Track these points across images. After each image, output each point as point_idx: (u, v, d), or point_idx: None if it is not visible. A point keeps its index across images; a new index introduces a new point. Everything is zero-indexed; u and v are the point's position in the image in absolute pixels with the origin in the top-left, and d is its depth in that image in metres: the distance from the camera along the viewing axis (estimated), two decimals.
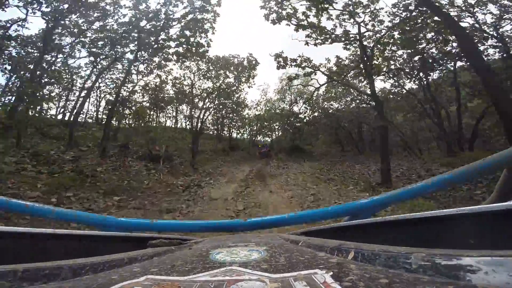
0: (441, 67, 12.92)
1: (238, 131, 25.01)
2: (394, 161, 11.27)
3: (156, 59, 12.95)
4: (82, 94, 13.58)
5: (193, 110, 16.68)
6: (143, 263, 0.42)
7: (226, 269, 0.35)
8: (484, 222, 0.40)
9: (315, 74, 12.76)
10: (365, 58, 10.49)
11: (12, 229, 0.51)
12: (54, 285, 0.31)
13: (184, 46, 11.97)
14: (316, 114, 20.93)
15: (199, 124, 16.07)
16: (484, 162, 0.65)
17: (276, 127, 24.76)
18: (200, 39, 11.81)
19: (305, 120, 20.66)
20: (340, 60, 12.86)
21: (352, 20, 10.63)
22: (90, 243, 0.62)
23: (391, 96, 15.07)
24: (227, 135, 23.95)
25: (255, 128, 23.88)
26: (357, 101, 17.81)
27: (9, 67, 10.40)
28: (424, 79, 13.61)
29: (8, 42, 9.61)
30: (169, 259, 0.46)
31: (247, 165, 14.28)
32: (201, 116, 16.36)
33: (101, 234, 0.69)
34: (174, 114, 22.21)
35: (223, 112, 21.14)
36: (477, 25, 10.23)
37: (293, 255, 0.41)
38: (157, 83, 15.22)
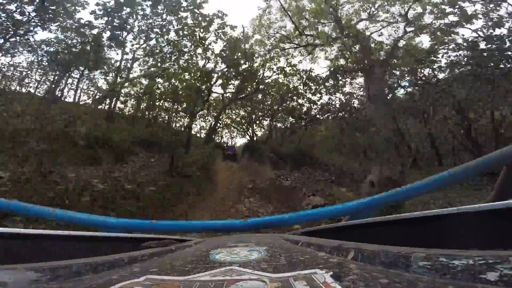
0: None
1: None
2: None
3: None
4: None
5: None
6: (143, 263, 0.42)
7: (226, 269, 0.35)
8: (484, 221, 0.40)
9: None
10: None
11: (13, 230, 0.51)
12: (54, 285, 0.31)
13: None
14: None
15: None
16: (483, 160, 0.65)
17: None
18: None
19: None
20: None
21: None
22: (90, 244, 0.62)
23: None
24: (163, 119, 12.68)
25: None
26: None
27: None
28: None
29: None
30: (169, 259, 0.46)
31: None
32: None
33: (101, 235, 0.69)
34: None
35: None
36: None
37: (293, 255, 0.41)
38: None
